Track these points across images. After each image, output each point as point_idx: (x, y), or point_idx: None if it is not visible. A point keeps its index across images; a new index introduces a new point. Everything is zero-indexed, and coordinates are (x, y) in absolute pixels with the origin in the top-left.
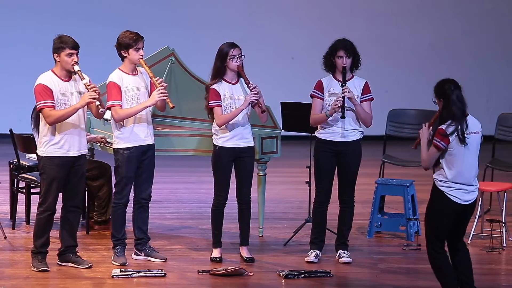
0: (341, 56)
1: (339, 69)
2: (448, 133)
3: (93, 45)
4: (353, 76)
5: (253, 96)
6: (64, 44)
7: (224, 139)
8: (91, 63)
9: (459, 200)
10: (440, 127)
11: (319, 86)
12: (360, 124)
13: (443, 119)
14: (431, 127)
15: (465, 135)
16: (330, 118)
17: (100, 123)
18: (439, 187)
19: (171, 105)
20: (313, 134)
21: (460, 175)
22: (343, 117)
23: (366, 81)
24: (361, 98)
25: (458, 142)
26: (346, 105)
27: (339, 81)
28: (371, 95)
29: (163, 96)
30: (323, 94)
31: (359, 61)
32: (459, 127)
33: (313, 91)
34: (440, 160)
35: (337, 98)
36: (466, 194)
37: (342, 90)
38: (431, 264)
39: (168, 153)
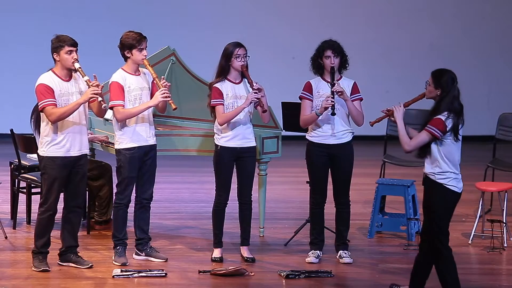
0: (328, 56)
1: (327, 70)
2: (447, 126)
3: (94, 45)
4: (341, 77)
5: (255, 95)
6: (62, 42)
7: (225, 139)
8: (92, 63)
9: (457, 189)
10: (438, 117)
11: (308, 88)
12: (350, 124)
13: (439, 109)
14: (405, 108)
15: (459, 131)
16: (320, 118)
17: (101, 123)
18: (438, 180)
19: (173, 106)
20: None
21: (453, 164)
22: (333, 113)
23: (355, 82)
24: (350, 98)
25: (453, 137)
26: (336, 103)
27: (327, 82)
28: (360, 95)
29: (166, 97)
30: (312, 95)
31: (346, 62)
32: (456, 123)
33: (302, 93)
34: (434, 153)
35: (327, 97)
36: (459, 182)
37: (332, 86)
38: (437, 262)
39: (169, 153)
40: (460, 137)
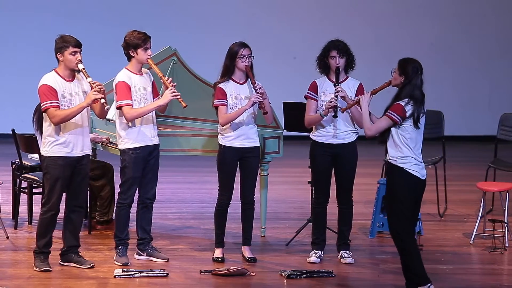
0: (333, 57)
1: (332, 70)
2: (407, 112)
3: (95, 45)
4: (347, 77)
5: (257, 97)
6: (67, 43)
7: (229, 139)
8: (92, 63)
9: (419, 175)
10: (398, 103)
11: (313, 87)
12: (355, 125)
13: (401, 95)
14: (372, 95)
15: (420, 120)
16: (325, 119)
17: (102, 123)
18: (399, 164)
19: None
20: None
21: (414, 150)
22: (335, 116)
23: (360, 83)
24: (354, 100)
25: (413, 124)
26: (339, 104)
27: (333, 82)
28: None
29: (176, 96)
30: (317, 95)
31: (353, 62)
32: (417, 111)
33: (307, 92)
34: (396, 139)
35: (331, 98)
36: (422, 169)
37: (335, 89)
38: (407, 252)
39: (170, 153)
40: (420, 126)
